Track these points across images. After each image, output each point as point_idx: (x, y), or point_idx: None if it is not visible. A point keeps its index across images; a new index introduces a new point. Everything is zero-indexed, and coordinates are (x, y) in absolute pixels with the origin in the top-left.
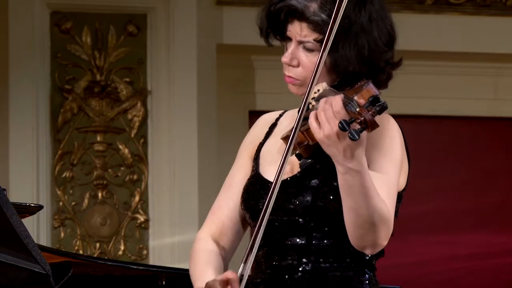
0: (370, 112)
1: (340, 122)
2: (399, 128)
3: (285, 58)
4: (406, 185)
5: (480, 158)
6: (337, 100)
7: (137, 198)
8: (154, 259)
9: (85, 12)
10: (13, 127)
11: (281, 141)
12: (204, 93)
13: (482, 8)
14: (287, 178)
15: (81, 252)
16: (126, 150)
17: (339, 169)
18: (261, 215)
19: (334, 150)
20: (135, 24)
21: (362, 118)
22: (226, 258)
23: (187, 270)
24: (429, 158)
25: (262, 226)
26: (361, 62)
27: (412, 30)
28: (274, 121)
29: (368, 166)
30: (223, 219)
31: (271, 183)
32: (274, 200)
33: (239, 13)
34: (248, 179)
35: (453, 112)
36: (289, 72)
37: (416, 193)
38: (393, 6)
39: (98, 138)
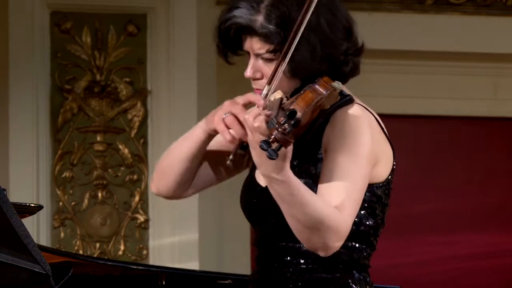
0: (280, 131)
1: (261, 143)
2: (370, 120)
3: (248, 73)
4: (391, 175)
5: (480, 158)
6: (255, 113)
7: (137, 198)
8: (154, 259)
9: (85, 12)
10: (13, 127)
11: None
12: (204, 93)
13: (482, 8)
14: None
15: (81, 252)
16: (126, 150)
17: (265, 179)
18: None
19: (258, 159)
20: (135, 24)
21: (273, 137)
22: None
23: (187, 270)
24: (429, 158)
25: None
26: (317, 60)
27: (412, 30)
28: None
29: (329, 166)
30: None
31: (261, 187)
32: None
33: None
34: (245, 179)
35: (453, 112)
36: (256, 85)
37: (416, 193)
38: (393, 6)
39: (98, 138)
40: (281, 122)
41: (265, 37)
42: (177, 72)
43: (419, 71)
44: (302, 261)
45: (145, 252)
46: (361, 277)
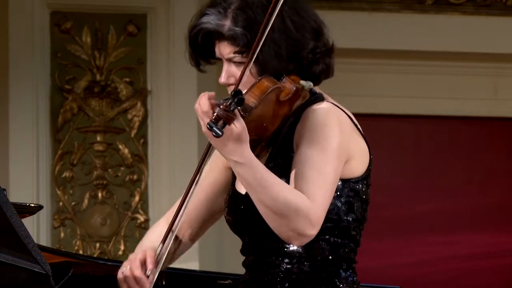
0: (222, 107)
1: (207, 124)
2: (340, 116)
3: (222, 79)
4: (367, 170)
5: (480, 158)
6: (203, 101)
7: (137, 198)
8: None
9: (85, 12)
10: (13, 127)
11: None
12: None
13: (482, 8)
14: None
15: (81, 252)
16: (126, 150)
17: (230, 163)
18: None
19: (216, 146)
20: (135, 24)
21: (215, 115)
22: (181, 247)
23: (187, 270)
24: (429, 158)
25: (181, 211)
26: (283, 60)
27: (412, 30)
28: None
29: (298, 160)
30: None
31: (241, 195)
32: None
33: None
34: (227, 195)
35: (453, 112)
36: (231, 90)
37: (416, 193)
38: (393, 6)
39: (98, 138)
40: (225, 102)
41: (233, 40)
42: (177, 72)
43: (419, 71)
44: (287, 260)
45: None
46: (347, 275)
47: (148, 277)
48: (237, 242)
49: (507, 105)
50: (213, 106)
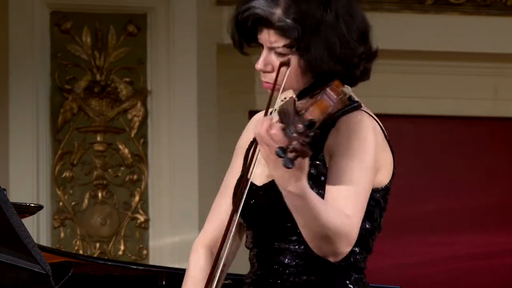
0: (299, 141)
1: (277, 150)
2: (375, 128)
3: (259, 64)
4: (390, 181)
5: (480, 158)
6: (275, 131)
7: (137, 198)
8: (154, 259)
9: (85, 12)
10: (13, 127)
11: None
12: (204, 93)
13: (482, 8)
14: (269, 182)
15: (81, 252)
16: (126, 150)
17: (282, 191)
18: (232, 212)
19: (274, 172)
20: (135, 24)
21: (291, 147)
22: (226, 264)
23: None
24: (429, 158)
25: (233, 222)
26: (334, 60)
27: (412, 30)
28: None
29: (336, 170)
30: (220, 226)
31: (258, 187)
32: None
33: None
34: (237, 180)
35: (453, 112)
36: (265, 77)
37: (416, 193)
38: (393, 6)
39: (98, 138)
40: (300, 132)
41: (282, 31)
42: (177, 72)
43: (419, 71)
44: (299, 262)
45: (145, 252)
46: (358, 278)
47: None
48: None
49: (508, 105)
50: (283, 130)
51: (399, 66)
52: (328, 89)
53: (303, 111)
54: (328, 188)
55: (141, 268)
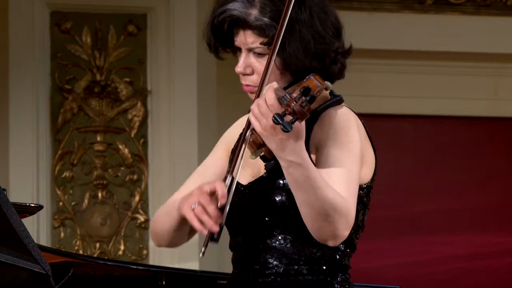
0: (298, 103)
1: (274, 116)
2: (357, 121)
3: (239, 68)
4: (373, 177)
5: (480, 158)
6: (269, 94)
7: (137, 198)
8: (154, 259)
9: (85, 12)
10: (13, 127)
11: None
12: (204, 93)
13: (482, 8)
14: (254, 180)
15: (81, 252)
16: (126, 150)
17: (282, 164)
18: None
19: (273, 144)
20: (135, 24)
21: (290, 109)
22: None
23: (187, 270)
24: (429, 158)
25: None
26: (309, 56)
27: (412, 30)
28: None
29: (325, 160)
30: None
31: (243, 186)
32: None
33: None
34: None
35: (453, 112)
36: (246, 81)
37: (416, 193)
38: (393, 6)
39: (98, 138)
40: (297, 97)
41: (259, 30)
42: (177, 72)
43: (419, 71)
44: (285, 261)
45: (145, 252)
46: (344, 278)
47: (221, 211)
48: None
49: (507, 105)
50: (279, 99)
51: (398, 66)
52: (311, 76)
53: (292, 90)
54: None
55: (141, 268)
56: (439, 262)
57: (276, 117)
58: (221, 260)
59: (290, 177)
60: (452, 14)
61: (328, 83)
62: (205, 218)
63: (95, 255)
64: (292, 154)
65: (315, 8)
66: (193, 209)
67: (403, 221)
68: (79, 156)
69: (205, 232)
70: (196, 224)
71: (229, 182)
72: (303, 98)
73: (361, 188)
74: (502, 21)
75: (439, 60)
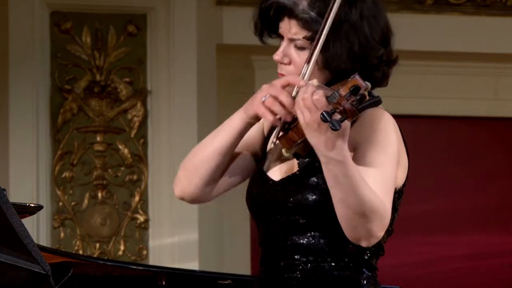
0: (349, 101)
1: (322, 113)
2: (395, 124)
3: (277, 56)
4: (405, 182)
5: (480, 158)
6: (315, 89)
7: (137, 198)
8: (154, 259)
9: (85, 12)
10: (13, 127)
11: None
12: (204, 93)
13: (482, 8)
14: (286, 177)
15: (81, 252)
16: (126, 150)
17: (322, 160)
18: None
19: (316, 140)
20: (135, 24)
21: (341, 108)
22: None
23: (187, 270)
24: (429, 158)
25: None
26: (352, 59)
27: (412, 30)
28: None
29: (362, 161)
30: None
31: (273, 181)
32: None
33: (239, 13)
34: (253, 175)
35: (453, 112)
36: (282, 70)
37: (416, 193)
38: (393, 6)
39: (98, 138)
40: (347, 94)
41: (304, 23)
42: (177, 72)
43: (419, 71)
44: (311, 259)
45: (145, 252)
46: (371, 276)
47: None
48: (237, 242)
49: (507, 105)
50: (327, 97)
51: (398, 66)
52: (357, 75)
53: (336, 88)
54: None
55: (141, 268)
56: (438, 262)
57: (325, 114)
58: (221, 260)
59: (330, 173)
60: (452, 14)
61: (368, 84)
62: (277, 108)
63: (95, 255)
64: (335, 151)
65: (367, 12)
66: (263, 103)
67: (403, 221)
68: (79, 156)
69: (278, 124)
70: (268, 116)
71: (305, 71)
72: (354, 97)
73: (394, 191)
74: (502, 21)
75: (439, 60)
